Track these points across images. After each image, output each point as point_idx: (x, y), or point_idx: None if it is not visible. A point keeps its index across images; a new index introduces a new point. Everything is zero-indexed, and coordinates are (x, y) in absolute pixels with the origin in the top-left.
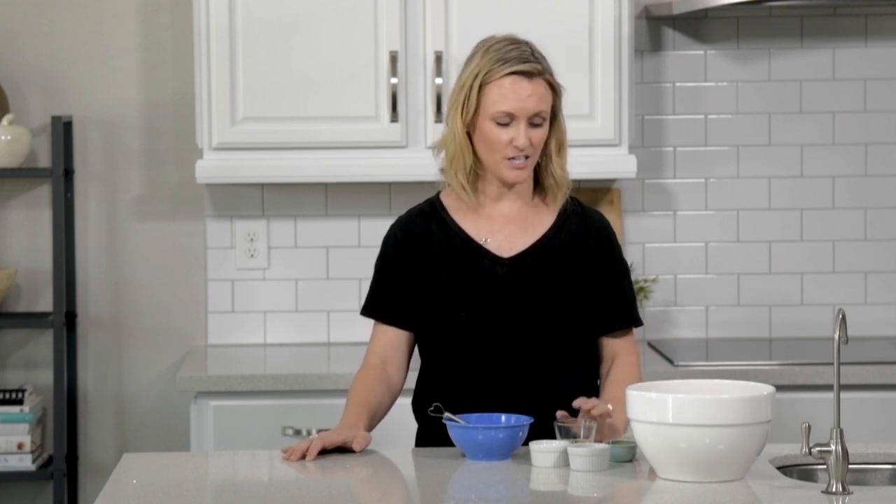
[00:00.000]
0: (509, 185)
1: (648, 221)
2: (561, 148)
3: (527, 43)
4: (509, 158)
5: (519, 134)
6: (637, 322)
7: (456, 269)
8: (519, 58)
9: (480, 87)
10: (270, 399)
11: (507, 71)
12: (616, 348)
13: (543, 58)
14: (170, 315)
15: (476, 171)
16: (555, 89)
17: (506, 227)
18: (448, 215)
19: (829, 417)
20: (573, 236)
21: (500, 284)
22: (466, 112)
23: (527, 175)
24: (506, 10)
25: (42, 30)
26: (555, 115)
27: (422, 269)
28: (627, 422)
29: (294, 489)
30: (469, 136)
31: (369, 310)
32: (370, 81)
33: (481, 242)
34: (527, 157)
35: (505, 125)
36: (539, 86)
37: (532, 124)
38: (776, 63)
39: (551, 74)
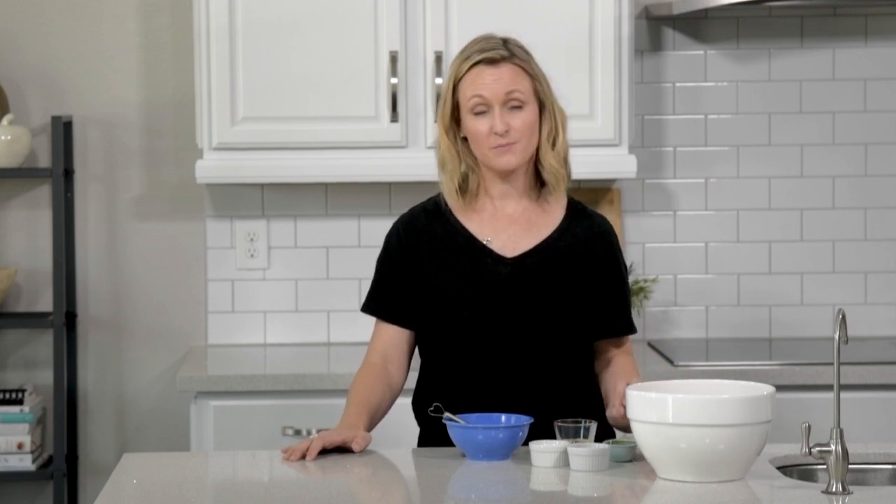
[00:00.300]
0: (505, 176)
1: (648, 221)
2: (555, 140)
3: (502, 38)
4: (494, 147)
5: (495, 120)
6: (633, 329)
7: (459, 268)
8: (483, 49)
9: (455, 87)
10: (270, 399)
11: (473, 62)
12: (613, 352)
13: (518, 47)
14: (170, 315)
15: (478, 178)
16: (531, 74)
17: (510, 227)
18: (451, 214)
19: (829, 417)
20: (577, 240)
21: (503, 284)
22: (445, 114)
23: (516, 160)
24: (506, 10)
25: (42, 30)
26: (542, 103)
27: (424, 268)
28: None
29: (294, 489)
30: (467, 142)
31: (371, 307)
32: (370, 81)
33: (484, 242)
34: (512, 143)
35: (483, 115)
36: (506, 69)
37: (511, 108)
38: (776, 63)
39: (525, 60)
